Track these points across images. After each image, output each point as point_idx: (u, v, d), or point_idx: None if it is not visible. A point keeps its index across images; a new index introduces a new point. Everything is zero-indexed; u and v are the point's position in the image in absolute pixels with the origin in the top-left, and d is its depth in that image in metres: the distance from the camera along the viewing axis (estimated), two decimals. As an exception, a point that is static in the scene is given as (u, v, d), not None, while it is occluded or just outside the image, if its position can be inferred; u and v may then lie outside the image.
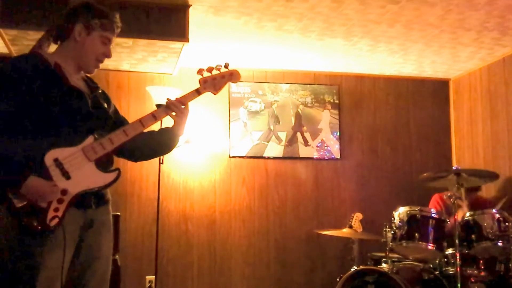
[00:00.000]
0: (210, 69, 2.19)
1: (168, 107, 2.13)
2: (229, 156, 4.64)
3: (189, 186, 4.55)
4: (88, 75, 2.14)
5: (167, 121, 2.23)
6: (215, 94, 2.22)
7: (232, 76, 2.23)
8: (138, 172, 4.40)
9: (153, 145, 2.23)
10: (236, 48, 4.26)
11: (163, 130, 2.24)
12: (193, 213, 4.51)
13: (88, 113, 2.00)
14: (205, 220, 4.52)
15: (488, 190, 4.38)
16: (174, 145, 2.24)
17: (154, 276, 4.25)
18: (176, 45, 3.72)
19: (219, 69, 2.19)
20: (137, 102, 4.47)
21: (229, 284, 4.47)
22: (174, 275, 4.40)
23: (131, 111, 4.35)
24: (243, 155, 4.66)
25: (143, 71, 4.47)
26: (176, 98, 2.16)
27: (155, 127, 2.19)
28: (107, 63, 2.11)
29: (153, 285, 4.27)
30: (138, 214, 4.41)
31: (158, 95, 4.20)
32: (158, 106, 4.17)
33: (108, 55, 2.09)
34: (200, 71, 2.17)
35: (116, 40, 2.14)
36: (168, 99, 2.15)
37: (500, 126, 4.39)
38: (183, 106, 2.15)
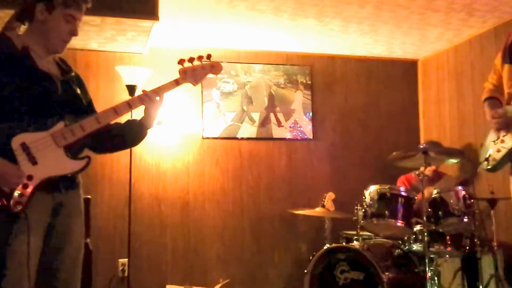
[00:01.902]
0: (191, 60, 2.15)
1: (143, 98, 2.08)
2: (202, 137, 4.63)
3: (162, 168, 4.52)
4: (58, 55, 2.09)
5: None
6: (194, 85, 2.19)
7: (213, 68, 2.20)
8: (109, 155, 4.33)
9: (120, 138, 2.16)
10: (208, 28, 4.22)
11: (132, 122, 2.18)
12: (166, 195, 4.50)
13: (58, 98, 1.95)
14: (178, 202, 4.52)
15: (452, 166, 4.50)
16: (142, 138, 2.18)
17: (127, 259, 4.23)
18: (146, 23, 3.66)
19: (200, 60, 2.16)
20: (106, 82, 4.39)
21: (204, 265, 4.50)
22: (147, 258, 4.39)
23: (100, 92, 4.28)
24: (217, 136, 4.65)
25: (112, 50, 4.38)
26: (153, 89, 2.11)
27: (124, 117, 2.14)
28: (74, 42, 2.06)
29: (126, 268, 4.26)
30: (109, 197, 4.37)
31: (128, 75, 4.13)
32: (128, 86, 4.12)
33: (74, 33, 2.02)
34: (180, 61, 2.14)
35: (84, 18, 2.06)
36: (143, 90, 2.11)
37: (466, 106, 4.50)
38: (158, 98, 2.10)
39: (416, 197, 3.54)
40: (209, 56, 2.18)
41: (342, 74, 5.02)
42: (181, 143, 4.58)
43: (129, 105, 2.04)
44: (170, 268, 4.43)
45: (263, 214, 4.66)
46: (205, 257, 4.51)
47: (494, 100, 2.56)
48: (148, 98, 2.07)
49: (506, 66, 2.43)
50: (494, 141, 2.44)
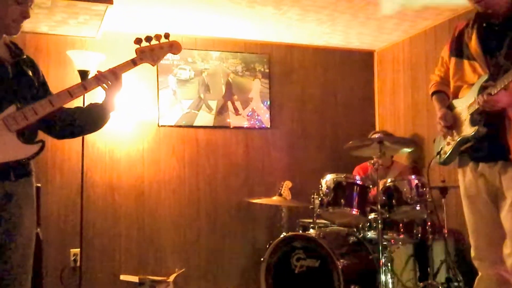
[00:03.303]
0: (148, 39, 2.09)
1: (99, 78, 2.02)
2: (158, 125, 4.54)
3: (116, 156, 4.41)
4: (9, 38, 2.00)
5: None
6: (153, 66, 2.14)
7: (172, 47, 2.15)
8: (60, 142, 4.19)
9: (81, 122, 2.11)
10: (164, 12, 4.12)
11: (93, 106, 2.12)
12: (120, 184, 4.40)
13: (8, 81, 1.88)
14: (133, 190, 4.43)
15: (405, 156, 4.61)
16: (105, 122, 2.14)
17: (79, 249, 4.12)
18: (99, 7, 3.54)
19: (158, 39, 2.10)
20: (57, 67, 4.23)
21: (159, 255, 4.44)
22: (100, 248, 4.29)
23: (50, 76, 4.07)
24: (173, 124, 4.57)
25: (63, 34, 4.24)
26: (109, 69, 2.04)
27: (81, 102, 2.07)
28: (23, 25, 1.98)
29: (78, 258, 4.15)
30: (61, 186, 4.23)
31: (80, 59, 4.00)
32: (80, 72, 3.99)
33: (25, 15, 1.95)
34: (137, 41, 2.07)
35: (34, 0, 2.00)
36: (98, 71, 2.04)
37: (420, 96, 4.60)
38: (115, 78, 2.03)
39: (370, 186, 3.60)
40: (167, 36, 2.12)
41: (300, 63, 5.03)
42: (136, 131, 4.48)
43: (84, 87, 1.97)
44: (124, 258, 4.35)
45: (220, 203, 4.64)
46: (160, 247, 4.45)
47: (442, 94, 2.60)
48: (104, 78, 2.01)
49: (453, 59, 2.47)
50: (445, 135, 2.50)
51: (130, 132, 4.46)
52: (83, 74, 3.97)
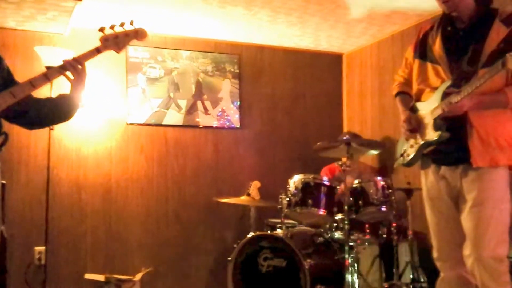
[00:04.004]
0: (112, 27, 2.07)
1: (63, 67, 1.99)
2: (127, 123, 4.50)
3: (83, 154, 4.35)
4: None
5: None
6: (118, 53, 2.13)
7: (138, 34, 2.13)
8: (26, 137, 4.12)
9: (51, 112, 2.10)
10: (134, 10, 4.08)
11: (61, 97, 2.11)
12: (86, 182, 4.34)
13: None
14: (100, 188, 4.37)
15: (372, 158, 4.70)
16: (73, 112, 2.13)
17: (44, 247, 4.05)
18: (68, 3, 3.50)
19: (123, 26, 2.08)
20: (24, 63, 4.14)
21: (125, 253, 4.40)
22: (66, 246, 4.22)
23: (17, 72, 3.85)
24: (142, 122, 4.54)
25: (31, 30, 4.16)
26: (73, 57, 2.02)
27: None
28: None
29: (42, 256, 4.08)
30: (26, 183, 4.15)
31: (48, 56, 3.93)
32: (48, 68, 3.91)
33: None
34: (101, 29, 2.05)
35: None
36: (63, 60, 2.02)
37: (387, 99, 4.69)
38: (80, 66, 2.02)
39: (338, 187, 3.65)
40: (132, 22, 2.11)
41: (270, 64, 5.07)
42: (104, 128, 4.42)
43: (46, 77, 1.95)
44: (89, 256, 4.29)
45: (188, 202, 4.63)
46: (127, 245, 4.41)
47: (405, 95, 2.64)
48: (69, 65, 1.99)
49: (417, 61, 2.50)
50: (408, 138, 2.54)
51: (98, 130, 4.40)
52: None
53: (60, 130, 4.20)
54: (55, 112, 2.12)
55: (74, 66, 2.00)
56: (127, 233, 4.42)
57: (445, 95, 2.27)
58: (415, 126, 2.44)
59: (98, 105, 4.36)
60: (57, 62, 3.87)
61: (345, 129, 5.21)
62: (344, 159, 3.57)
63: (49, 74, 1.96)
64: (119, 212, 4.41)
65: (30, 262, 4.09)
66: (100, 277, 4.03)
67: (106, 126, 4.43)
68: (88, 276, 4.12)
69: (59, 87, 3.54)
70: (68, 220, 4.26)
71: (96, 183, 4.36)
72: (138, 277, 4.14)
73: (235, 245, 3.60)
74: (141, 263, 4.35)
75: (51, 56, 3.94)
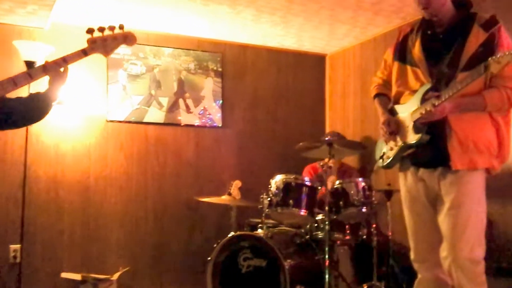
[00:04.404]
0: (101, 29, 2.03)
1: (46, 68, 1.94)
2: (107, 120, 4.44)
3: (61, 150, 4.28)
4: None
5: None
6: (105, 56, 2.10)
7: (127, 38, 2.10)
8: (3, 133, 4.03)
9: (23, 112, 2.02)
10: (116, 6, 4.03)
11: (35, 96, 2.04)
12: (64, 179, 4.27)
13: None
14: (78, 186, 4.31)
15: (353, 158, 4.71)
16: (47, 112, 2.06)
17: (19, 245, 3.98)
18: (49, -3, 3.43)
19: (112, 30, 2.04)
20: (2, 57, 4.07)
21: (103, 252, 4.34)
22: (42, 244, 4.15)
23: None
24: (122, 119, 4.48)
25: (10, 23, 4.08)
26: (59, 58, 1.97)
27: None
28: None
29: (18, 254, 4.00)
30: (2, 179, 4.07)
31: (27, 50, 3.87)
32: (26, 62, 3.86)
33: None
34: (89, 31, 2.01)
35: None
36: (46, 61, 1.97)
37: (369, 101, 4.65)
38: (63, 68, 1.97)
39: (319, 187, 3.65)
40: (121, 26, 2.07)
41: (253, 63, 5.05)
42: (83, 125, 4.36)
43: (29, 76, 1.89)
44: (66, 255, 4.23)
45: (168, 201, 4.58)
46: (105, 244, 4.35)
47: (384, 97, 2.66)
48: (53, 67, 1.94)
49: (397, 64, 2.52)
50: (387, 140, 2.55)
51: (77, 126, 4.34)
52: (30, 65, 3.83)
53: (38, 126, 4.12)
54: (26, 113, 2.04)
55: (57, 68, 1.95)
56: (105, 231, 4.36)
57: (425, 98, 2.28)
58: (394, 129, 2.45)
59: (77, 102, 4.29)
60: (36, 57, 3.86)
61: (327, 129, 5.23)
62: (326, 160, 3.57)
63: (33, 73, 1.90)
64: (97, 210, 4.35)
65: (5, 261, 4.01)
66: (77, 276, 3.98)
67: (85, 122, 4.37)
68: (64, 275, 4.06)
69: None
70: (45, 218, 4.18)
71: (74, 181, 4.30)
72: (115, 276, 4.09)
73: (215, 245, 3.58)
74: (118, 262, 4.29)
75: (30, 50, 3.87)
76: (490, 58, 2.02)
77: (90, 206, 4.33)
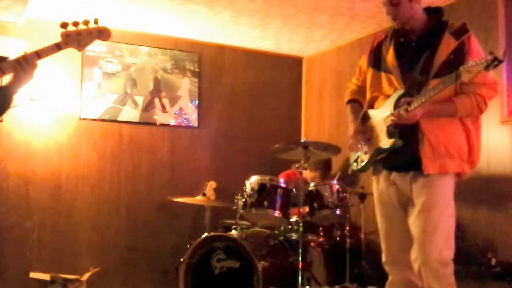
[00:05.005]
0: (76, 24, 2.00)
1: (19, 62, 1.90)
2: (80, 118, 4.37)
3: (32, 148, 4.20)
4: None
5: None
6: (79, 51, 2.07)
7: (101, 33, 2.07)
8: (-28, 129, 3.94)
9: None
10: (93, 3, 3.98)
11: None
12: (35, 177, 4.19)
13: None
14: (48, 184, 4.23)
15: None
16: (8, 106, 2.02)
17: (-13, 245, 3.89)
18: (24, -9, 3.37)
19: (86, 25, 2.01)
20: (-26, 51, 3.97)
21: (73, 252, 4.26)
22: (11, 243, 4.06)
23: None
24: (96, 117, 4.42)
25: (-17, 17, 3.99)
26: (32, 52, 1.93)
27: None
28: None
29: (-15, 254, 3.91)
30: (-31, 177, 3.97)
31: (1, 45, 3.78)
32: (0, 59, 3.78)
33: None
34: (63, 25, 1.98)
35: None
36: (19, 55, 1.92)
37: (344, 104, 4.73)
38: (35, 62, 1.93)
39: (294, 189, 3.66)
40: (96, 21, 2.04)
41: (231, 64, 5.05)
42: (55, 122, 4.29)
43: (1, 70, 1.85)
44: (36, 255, 4.14)
45: (142, 201, 4.54)
46: (75, 244, 4.28)
47: (356, 104, 2.69)
48: (25, 62, 1.90)
49: (371, 70, 2.56)
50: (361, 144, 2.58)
51: (49, 124, 4.26)
52: (1, 60, 3.73)
53: (9, 122, 4.04)
54: None
55: (31, 62, 1.91)
56: (75, 231, 4.29)
57: (398, 103, 2.31)
58: (367, 136, 2.48)
59: (51, 99, 4.22)
60: (10, 52, 3.77)
61: (303, 132, 5.26)
62: (301, 161, 3.58)
63: (4, 68, 1.86)
64: (68, 209, 4.28)
65: (-29, 260, 3.93)
66: (46, 276, 3.91)
67: (58, 120, 4.30)
68: (33, 275, 3.98)
69: None
70: (14, 216, 4.10)
71: (45, 179, 4.22)
72: (85, 277, 4.03)
73: (188, 246, 3.55)
74: (89, 263, 4.23)
75: (3, 45, 3.80)
76: (461, 67, 2.07)
77: (61, 205, 4.26)
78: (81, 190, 4.34)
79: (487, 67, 1.99)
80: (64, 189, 4.28)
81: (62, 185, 4.28)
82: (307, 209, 3.63)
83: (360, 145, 2.50)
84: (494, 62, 1.97)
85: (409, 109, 2.23)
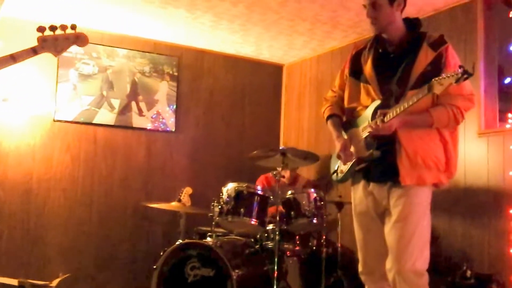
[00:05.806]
0: (53, 28, 1.96)
1: None
2: (54, 120, 4.27)
3: (3, 149, 4.09)
4: None
5: None
6: (55, 56, 2.05)
7: (78, 39, 2.05)
8: None
9: None
10: (70, 3, 3.90)
11: None
12: (5, 180, 4.07)
13: None
14: (19, 187, 4.12)
15: (308, 170, 4.72)
16: None
17: (-48, 248, 3.75)
18: (-2, -12, 3.27)
19: (64, 30, 1.98)
20: None
21: (43, 257, 4.15)
22: (-23, 247, 3.93)
23: None
24: (70, 119, 4.32)
25: (-46, 14, 3.87)
26: (7, 55, 1.89)
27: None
28: None
29: (-50, 258, 3.77)
30: None
31: (-28, 43, 3.67)
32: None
33: None
34: (40, 29, 1.94)
35: None
36: None
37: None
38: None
39: (271, 197, 3.62)
40: (74, 27, 2.02)
41: (210, 69, 5.00)
42: (27, 124, 4.18)
43: None
44: (4, 259, 4.03)
45: (115, 206, 4.44)
46: (45, 249, 4.17)
47: (337, 118, 2.64)
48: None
49: (351, 80, 2.56)
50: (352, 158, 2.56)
51: (21, 125, 4.16)
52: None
53: (-21, 122, 3.92)
54: None
55: (5, 65, 1.87)
56: (46, 236, 4.18)
57: (375, 114, 2.31)
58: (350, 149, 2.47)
59: (24, 99, 4.12)
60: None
61: (282, 139, 5.23)
62: (279, 169, 3.55)
63: None
64: (39, 213, 4.17)
65: None
66: (13, 282, 3.77)
67: (30, 121, 4.19)
68: (0, 279, 3.84)
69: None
70: (-18, 220, 3.97)
71: (15, 182, 4.10)
72: (54, 283, 3.90)
73: (162, 253, 3.48)
74: (59, 269, 4.10)
75: (-26, 43, 3.68)
76: (433, 80, 2.07)
77: (32, 209, 4.15)
78: (52, 194, 4.23)
79: (457, 80, 2.01)
80: (35, 193, 4.17)
81: (33, 189, 4.17)
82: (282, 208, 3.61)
83: (351, 160, 2.48)
84: (464, 75, 1.98)
85: (385, 120, 2.22)
